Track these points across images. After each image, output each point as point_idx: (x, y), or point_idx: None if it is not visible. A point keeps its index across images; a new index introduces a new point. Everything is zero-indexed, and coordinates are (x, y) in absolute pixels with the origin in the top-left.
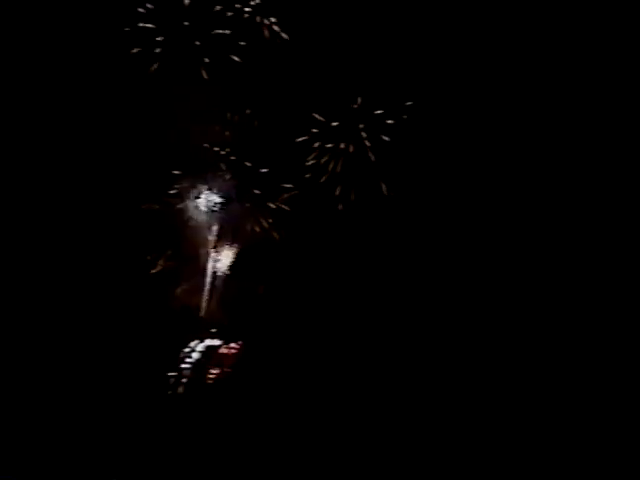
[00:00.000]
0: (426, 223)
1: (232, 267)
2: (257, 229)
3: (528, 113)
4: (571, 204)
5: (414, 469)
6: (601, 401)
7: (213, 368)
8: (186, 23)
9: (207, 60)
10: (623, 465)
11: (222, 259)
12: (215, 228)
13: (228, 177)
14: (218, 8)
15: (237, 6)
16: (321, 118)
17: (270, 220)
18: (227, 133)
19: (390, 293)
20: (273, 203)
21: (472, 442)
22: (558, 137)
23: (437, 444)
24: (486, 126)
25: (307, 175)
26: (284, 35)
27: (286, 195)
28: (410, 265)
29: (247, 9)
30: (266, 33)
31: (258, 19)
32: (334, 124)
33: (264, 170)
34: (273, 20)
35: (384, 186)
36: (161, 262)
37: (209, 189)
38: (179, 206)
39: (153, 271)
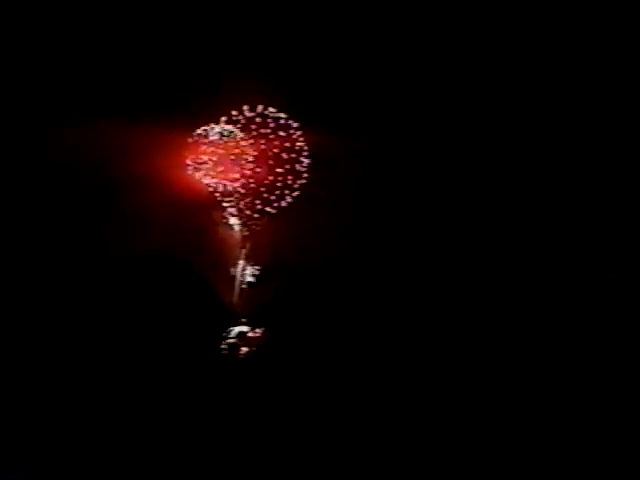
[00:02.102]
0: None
1: (256, 275)
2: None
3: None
4: (568, 205)
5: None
6: (601, 401)
7: (243, 347)
8: None
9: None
10: (623, 465)
11: (248, 269)
12: (242, 246)
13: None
14: None
15: None
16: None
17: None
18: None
19: (390, 296)
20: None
21: (473, 442)
22: (556, 138)
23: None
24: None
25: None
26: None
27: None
28: (410, 265)
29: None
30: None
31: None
32: None
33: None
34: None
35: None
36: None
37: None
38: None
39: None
